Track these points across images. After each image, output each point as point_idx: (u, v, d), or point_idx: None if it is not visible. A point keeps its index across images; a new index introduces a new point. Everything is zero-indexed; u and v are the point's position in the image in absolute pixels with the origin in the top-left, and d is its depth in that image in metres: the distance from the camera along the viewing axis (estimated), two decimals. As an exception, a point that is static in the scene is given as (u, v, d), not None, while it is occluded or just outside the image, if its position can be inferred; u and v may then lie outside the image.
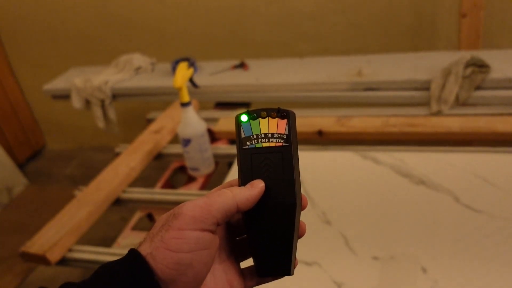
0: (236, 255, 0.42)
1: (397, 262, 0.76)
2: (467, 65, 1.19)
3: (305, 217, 0.41)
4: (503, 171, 0.95)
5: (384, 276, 0.73)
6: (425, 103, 1.25)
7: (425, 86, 1.25)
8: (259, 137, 0.41)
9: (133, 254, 0.35)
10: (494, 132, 1.10)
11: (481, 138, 1.12)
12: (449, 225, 0.82)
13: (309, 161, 1.05)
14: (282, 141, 0.40)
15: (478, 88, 1.21)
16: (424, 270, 0.73)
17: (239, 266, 0.42)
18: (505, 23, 1.64)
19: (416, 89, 1.27)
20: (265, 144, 0.40)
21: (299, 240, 0.41)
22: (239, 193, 0.38)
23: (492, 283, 0.69)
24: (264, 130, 0.41)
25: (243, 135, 0.41)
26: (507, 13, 1.62)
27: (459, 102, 1.19)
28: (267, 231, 0.39)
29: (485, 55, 1.27)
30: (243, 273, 0.42)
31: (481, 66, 1.20)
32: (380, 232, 0.83)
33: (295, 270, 0.41)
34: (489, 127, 1.11)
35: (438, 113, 1.20)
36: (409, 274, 0.73)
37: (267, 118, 0.41)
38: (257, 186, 0.39)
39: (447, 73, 1.21)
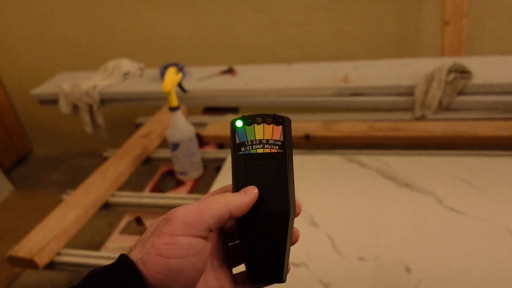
0: (228, 261, 0.42)
1: (382, 262, 0.77)
2: (450, 71, 1.23)
3: (293, 219, 0.41)
4: (484, 173, 0.97)
5: (370, 276, 0.75)
6: (409, 108, 1.28)
7: (409, 92, 1.28)
8: (254, 143, 0.40)
9: (124, 260, 0.35)
10: (475, 136, 1.13)
11: (464, 142, 1.15)
12: (433, 226, 0.84)
13: (297, 165, 1.06)
14: (277, 147, 0.40)
15: (460, 93, 1.24)
16: (408, 269, 0.75)
17: (231, 272, 0.42)
18: (487, 30, 1.68)
19: (400, 94, 1.30)
20: (260, 150, 0.40)
21: None
22: (232, 199, 0.37)
23: (474, 282, 0.71)
24: (259, 136, 0.40)
25: (237, 141, 0.41)
26: (488, 21, 1.67)
27: (442, 107, 1.22)
28: (260, 238, 0.39)
29: (467, 62, 1.30)
30: (235, 279, 0.41)
31: (463, 72, 1.23)
32: (366, 234, 0.85)
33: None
34: (471, 131, 1.14)
35: (422, 118, 1.23)
36: (394, 274, 0.75)
37: (262, 124, 0.41)
38: (251, 193, 0.39)
39: (430, 79, 1.24)
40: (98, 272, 0.35)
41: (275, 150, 0.40)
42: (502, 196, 0.89)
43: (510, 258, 0.74)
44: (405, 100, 1.29)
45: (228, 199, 0.37)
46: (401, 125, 1.21)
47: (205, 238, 0.36)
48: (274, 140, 0.40)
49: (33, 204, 2.18)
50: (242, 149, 0.40)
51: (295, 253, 0.81)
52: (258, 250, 0.39)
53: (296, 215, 0.40)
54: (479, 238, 0.79)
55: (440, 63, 1.27)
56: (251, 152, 0.40)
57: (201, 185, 1.23)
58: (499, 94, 1.23)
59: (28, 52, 2.29)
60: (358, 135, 1.21)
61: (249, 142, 0.40)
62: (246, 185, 0.39)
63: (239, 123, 0.41)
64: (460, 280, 0.72)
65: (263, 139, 0.40)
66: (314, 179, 1.03)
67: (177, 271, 0.34)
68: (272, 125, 0.40)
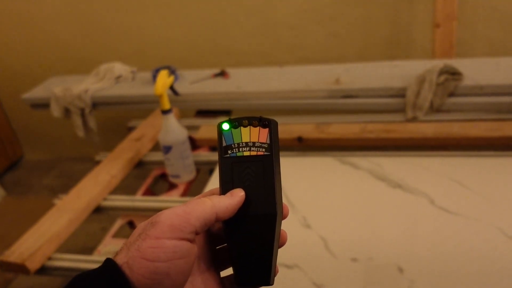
0: (216, 264, 0.42)
1: (375, 263, 0.77)
2: (441, 72, 1.23)
3: (286, 221, 0.41)
4: (475, 174, 0.98)
5: (362, 276, 0.75)
6: (401, 110, 1.28)
7: (400, 93, 1.29)
8: (241, 145, 0.40)
9: (109, 264, 0.35)
10: (467, 137, 1.14)
11: (455, 143, 1.16)
12: (425, 227, 0.84)
13: (290, 167, 1.07)
14: (264, 150, 0.40)
15: (451, 95, 1.25)
16: (400, 270, 0.75)
17: (219, 275, 0.42)
18: (476, 32, 1.70)
19: (392, 96, 1.31)
20: (246, 153, 0.40)
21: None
22: (219, 202, 0.37)
23: (466, 282, 0.71)
24: (245, 138, 0.40)
25: (224, 144, 0.41)
26: (478, 23, 1.69)
27: (434, 109, 1.23)
28: (247, 241, 0.39)
29: (458, 64, 1.31)
30: (222, 282, 0.41)
31: (453, 74, 1.24)
32: (359, 235, 0.85)
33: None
34: (462, 132, 1.15)
35: (414, 119, 1.24)
36: (386, 274, 0.75)
37: (249, 126, 0.41)
38: (237, 195, 0.39)
39: (421, 80, 1.25)
40: (84, 277, 0.34)
41: (262, 153, 0.40)
42: (493, 196, 0.89)
43: (502, 257, 0.75)
44: (397, 101, 1.29)
45: (214, 201, 0.37)
46: (393, 127, 1.22)
47: (191, 241, 0.36)
48: (260, 142, 0.40)
49: (24, 209, 2.17)
50: (229, 151, 0.41)
51: (288, 254, 0.81)
52: (245, 253, 0.39)
53: (283, 217, 0.40)
54: (471, 238, 0.80)
55: (431, 65, 1.28)
56: (237, 154, 0.40)
57: (194, 188, 1.23)
58: (489, 95, 1.24)
59: (19, 55, 2.28)
60: (351, 137, 1.21)
61: (235, 144, 0.41)
62: (232, 188, 0.39)
63: (225, 126, 0.41)
64: (452, 279, 0.72)
65: (250, 142, 0.40)
66: (307, 181, 1.04)
67: (163, 274, 0.34)
68: (258, 127, 0.41)
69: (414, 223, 0.85)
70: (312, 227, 0.87)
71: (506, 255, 0.75)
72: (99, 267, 0.35)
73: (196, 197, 0.41)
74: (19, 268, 0.91)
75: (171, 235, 0.34)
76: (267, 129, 0.40)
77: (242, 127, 0.41)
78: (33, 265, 0.91)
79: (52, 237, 0.96)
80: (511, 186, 0.92)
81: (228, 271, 0.42)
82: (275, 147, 0.40)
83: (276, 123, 0.41)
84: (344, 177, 1.03)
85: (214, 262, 0.42)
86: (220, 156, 0.41)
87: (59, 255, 0.97)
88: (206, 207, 0.37)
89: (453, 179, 0.96)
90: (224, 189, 0.40)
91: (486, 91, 1.24)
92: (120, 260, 0.35)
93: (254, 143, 0.40)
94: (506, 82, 1.23)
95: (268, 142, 0.40)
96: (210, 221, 0.37)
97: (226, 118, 0.42)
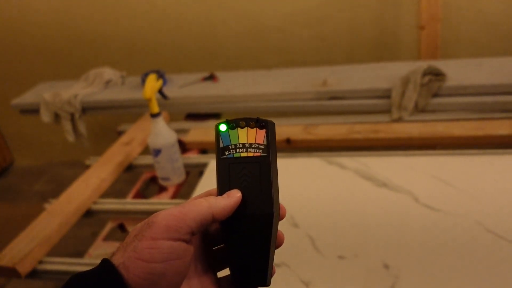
0: (213, 265, 0.42)
1: (361, 260, 0.79)
2: (425, 73, 1.26)
3: (275, 220, 0.41)
4: (458, 172, 1.00)
5: (349, 273, 0.77)
6: (387, 111, 1.31)
7: (386, 94, 1.31)
8: (238, 147, 0.40)
9: (106, 264, 0.35)
10: (451, 136, 1.16)
11: (439, 143, 1.18)
12: (410, 224, 0.86)
13: (278, 168, 1.08)
14: (261, 151, 0.40)
15: (435, 95, 1.27)
16: (386, 266, 0.77)
17: (216, 276, 0.42)
18: (460, 34, 1.73)
19: (378, 97, 1.33)
20: (243, 154, 0.40)
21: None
22: (215, 203, 0.38)
23: (450, 277, 0.73)
24: (242, 140, 0.41)
25: (221, 145, 0.41)
26: (461, 25, 1.72)
27: (418, 109, 1.26)
28: (244, 241, 0.39)
29: (442, 65, 1.34)
30: (219, 282, 0.41)
31: (437, 75, 1.27)
32: (345, 233, 0.86)
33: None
34: (447, 131, 1.18)
35: (399, 120, 1.26)
36: (372, 271, 0.76)
37: (246, 128, 0.41)
38: (234, 196, 0.39)
39: (406, 81, 1.27)
40: (80, 277, 0.35)
41: (259, 154, 0.40)
42: (477, 193, 0.91)
43: (486, 254, 0.77)
44: (383, 102, 1.31)
45: (211, 202, 0.38)
46: (379, 127, 1.24)
47: (187, 241, 0.36)
48: (257, 143, 0.40)
49: (15, 215, 2.16)
50: (226, 153, 0.41)
51: (276, 253, 0.82)
52: (242, 254, 0.39)
53: (280, 218, 0.41)
54: (455, 235, 0.81)
55: (415, 67, 1.31)
56: (234, 155, 0.40)
57: (184, 191, 1.24)
58: (472, 95, 1.27)
59: (8, 61, 2.28)
60: (338, 138, 1.23)
61: (232, 146, 0.41)
62: (229, 189, 0.40)
63: (223, 127, 0.41)
64: (436, 275, 0.74)
65: (247, 143, 0.41)
66: (294, 181, 1.05)
67: (159, 275, 0.34)
68: (255, 128, 0.41)
69: (399, 220, 0.87)
70: (299, 226, 0.89)
71: (490, 251, 0.77)
72: (96, 268, 0.35)
73: (193, 198, 0.41)
74: (10, 272, 0.91)
75: (167, 235, 0.35)
76: (264, 131, 0.41)
77: (239, 128, 0.41)
78: (23, 269, 0.92)
79: (42, 241, 0.97)
80: (494, 183, 0.95)
81: (225, 272, 0.42)
82: (272, 148, 0.41)
83: (273, 125, 0.41)
84: (331, 177, 1.05)
85: (211, 263, 0.42)
86: (217, 157, 0.41)
87: (50, 259, 0.97)
88: (202, 208, 0.37)
89: (437, 177, 0.98)
90: (221, 190, 0.40)
91: (469, 91, 1.27)
92: (116, 260, 0.35)
93: (251, 144, 0.40)
94: (488, 82, 1.26)
95: (265, 143, 0.40)
96: (206, 222, 0.37)
97: (223, 120, 0.42)
